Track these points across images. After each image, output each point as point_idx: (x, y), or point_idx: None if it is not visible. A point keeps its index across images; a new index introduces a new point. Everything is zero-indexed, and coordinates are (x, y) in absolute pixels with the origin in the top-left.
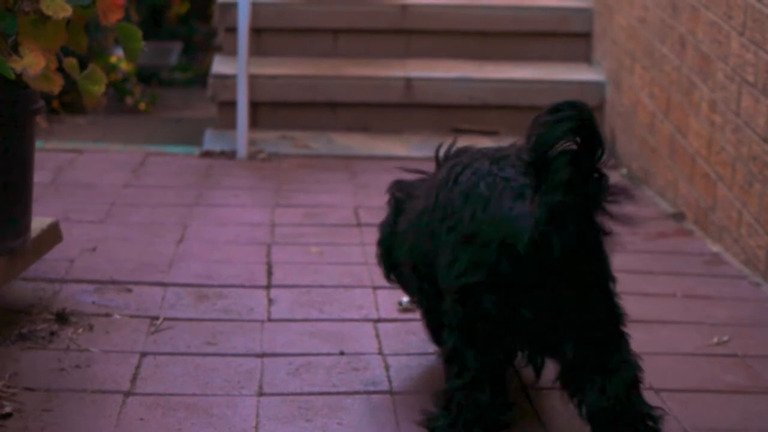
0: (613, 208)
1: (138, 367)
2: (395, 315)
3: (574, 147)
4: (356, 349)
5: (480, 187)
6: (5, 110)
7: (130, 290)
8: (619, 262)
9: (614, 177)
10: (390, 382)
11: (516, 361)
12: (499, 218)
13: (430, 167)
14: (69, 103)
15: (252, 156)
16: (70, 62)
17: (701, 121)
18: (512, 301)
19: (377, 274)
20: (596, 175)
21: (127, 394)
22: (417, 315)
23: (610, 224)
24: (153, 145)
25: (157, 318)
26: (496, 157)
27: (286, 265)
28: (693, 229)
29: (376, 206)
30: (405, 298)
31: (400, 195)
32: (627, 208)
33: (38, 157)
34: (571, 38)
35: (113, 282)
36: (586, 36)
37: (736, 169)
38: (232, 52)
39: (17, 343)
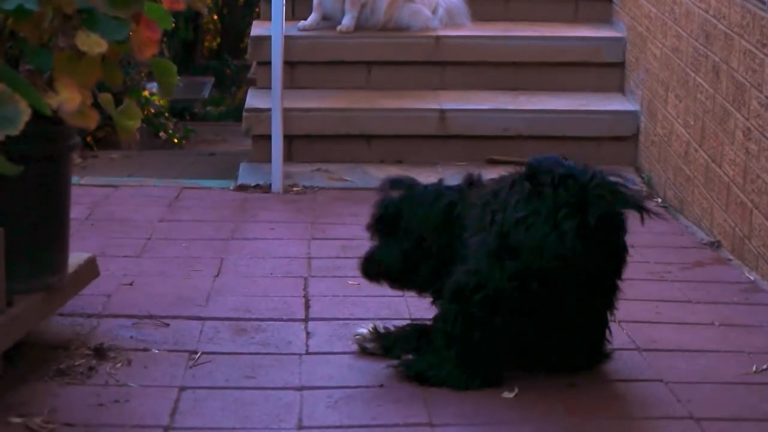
0: None
1: (177, 401)
2: None
3: None
4: (396, 381)
5: None
6: (42, 146)
7: (167, 325)
8: (657, 291)
9: (649, 206)
10: (430, 415)
11: None
12: None
13: None
14: (102, 138)
15: (287, 189)
16: (106, 98)
17: (736, 150)
18: None
19: (415, 306)
20: None
21: (167, 428)
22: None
23: None
24: (188, 180)
25: (195, 352)
26: None
27: (324, 298)
28: (730, 257)
29: None
30: (363, 329)
31: None
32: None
33: (73, 193)
34: (604, 68)
35: (151, 316)
36: (619, 65)
37: None
38: (266, 85)
39: (55, 379)
